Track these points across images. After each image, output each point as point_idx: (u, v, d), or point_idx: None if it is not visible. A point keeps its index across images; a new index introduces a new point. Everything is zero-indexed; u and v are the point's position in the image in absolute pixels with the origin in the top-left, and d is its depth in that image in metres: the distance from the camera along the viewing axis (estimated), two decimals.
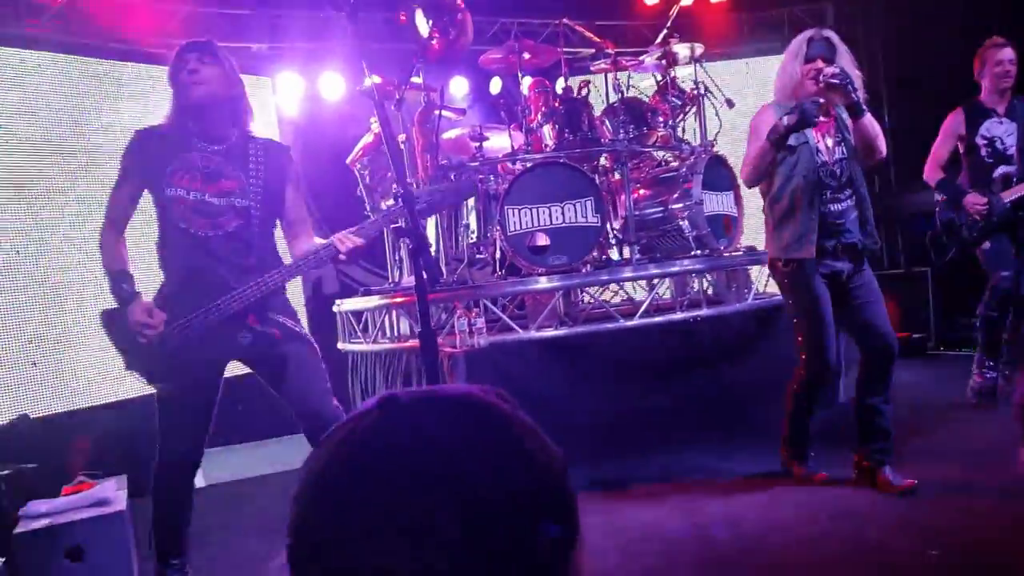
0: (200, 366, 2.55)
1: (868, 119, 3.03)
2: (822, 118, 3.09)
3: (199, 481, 4.74)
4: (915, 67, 6.76)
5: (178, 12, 5.84)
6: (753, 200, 3.24)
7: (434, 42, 4.67)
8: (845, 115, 3.11)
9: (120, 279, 2.52)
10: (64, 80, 5.21)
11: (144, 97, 5.49)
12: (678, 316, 4.43)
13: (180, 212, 2.51)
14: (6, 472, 3.92)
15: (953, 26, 6.14)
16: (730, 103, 5.24)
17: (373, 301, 5.04)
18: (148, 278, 2.72)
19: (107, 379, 5.02)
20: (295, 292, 6.43)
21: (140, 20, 5.64)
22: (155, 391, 2.57)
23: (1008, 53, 4.28)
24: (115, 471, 4.25)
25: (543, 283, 4.45)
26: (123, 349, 2.53)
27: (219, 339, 2.51)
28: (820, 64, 2.97)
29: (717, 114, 5.23)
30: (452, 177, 4.84)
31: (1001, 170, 4.27)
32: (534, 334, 4.32)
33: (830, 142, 3.12)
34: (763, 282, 5.05)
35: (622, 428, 4.14)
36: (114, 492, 3.23)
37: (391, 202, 5.17)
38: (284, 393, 2.61)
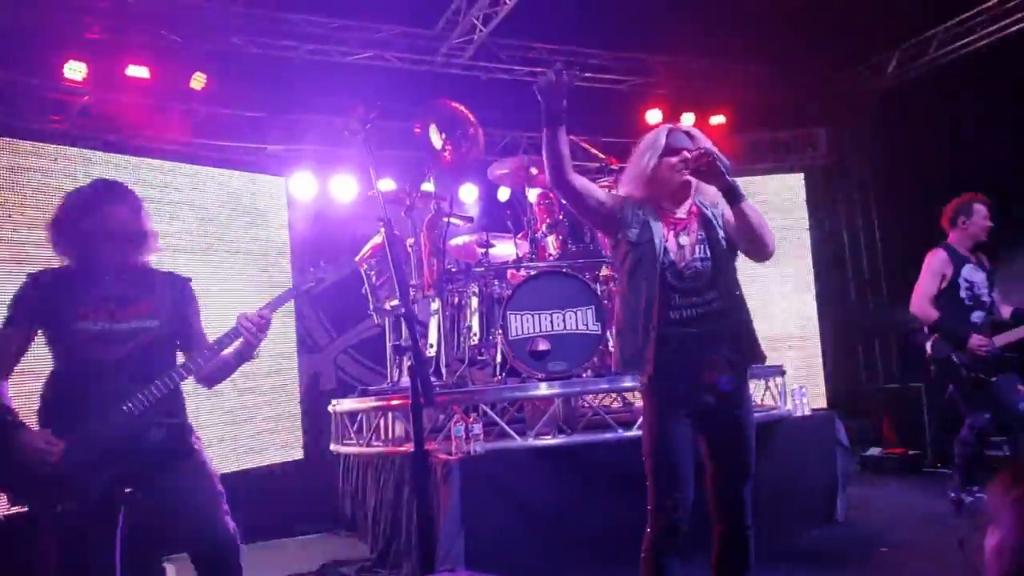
0: (105, 482, 2.40)
1: (748, 204, 2.55)
2: (679, 214, 2.63)
3: None
4: (903, 186, 7.03)
5: (198, 113, 6.11)
6: (754, 312, 2.79)
7: (446, 154, 4.87)
8: (718, 208, 2.66)
9: (3, 414, 2.40)
10: (80, 173, 5.37)
11: (161, 190, 5.66)
12: None
13: (83, 343, 2.46)
14: None
15: (943, 151, 6.43)
16: None
17: (368, 403, 5.02)
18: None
19: None
20: (292, 386, 6.41)
21: (161, 120, 5.89)
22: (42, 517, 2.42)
23: (987, 210, 4.64)
24: None
25: (543, 389, 4.46)
26: (11, 481, 2.38)
27: (126, 443, 2.39)
28: (685, 153, 2.55)
29: None
30: (454, 280, 4.95)
31: (978, 315, 4.54)
32: (532, 442, 4.29)
33: (685, 240, 2.57)
34: (760, 395, 5.07)
35: (621, 541, 4.03)
36: None
37: (396, 301, 5.26)
38: (173, 516, 2.46)
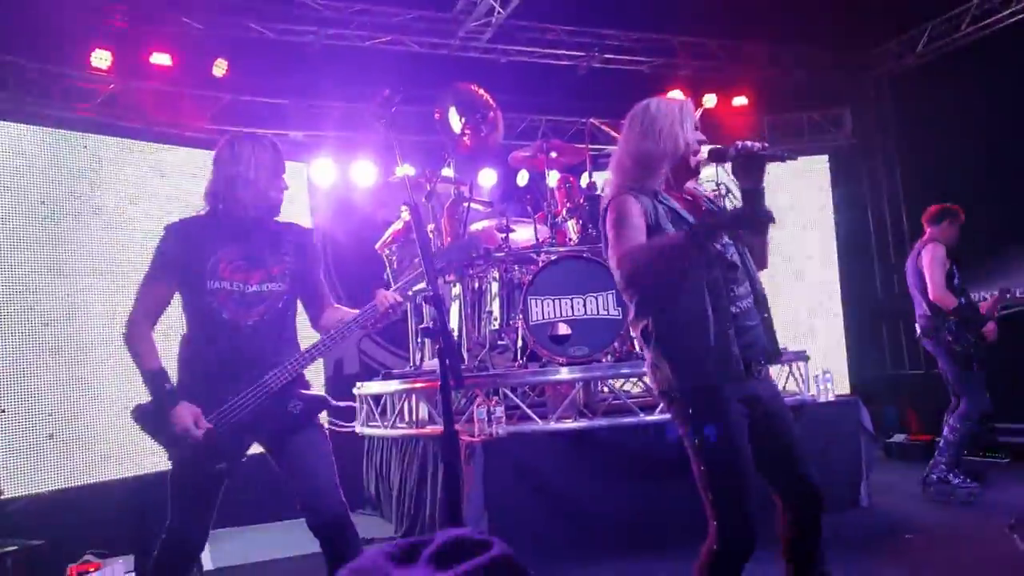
0: (245, 444, 2.57)
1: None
2: (688, 198, 2.41)
3: (207, 563, 4.71)
4: (932, 170, 6.92)
5: (221, 100, 6.15)
6: (778, 297, 2.43)
7: (466, 138, 4.87)
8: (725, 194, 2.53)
9: (160, 378, 2.46)
10: (107, 159, 5.45)
11: (189, 178, 5.72)
12: None
13: (221, 303, 2.52)
14: (13, 548, 3.91)
15: (967, 127, 6.32)
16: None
17: (393, 385, 5.08)
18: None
19: (121, 455, 5.05)
20: (316, 371, 6.49)
21: (184, 107, 5.95)
22: (172, 465, 2.54)
23: None
24: (122, 550, 4.22)
25: (563, 373, 4.48)
26: (163, 439, 2.49)
27: (268, 415, 2.51)
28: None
29: None
30: (474, 266, 4.97)
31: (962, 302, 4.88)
32: (553, 425, 4.32)
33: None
34: (783, 381, 5.05)
35: (641, 523, 4.07)
36: (122, 574, 3.20)
37: (421, 285, 5.28)
38: (296, 481, 2.55)
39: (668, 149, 2.31)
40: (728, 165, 2.37)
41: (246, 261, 2.57)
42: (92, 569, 4.34)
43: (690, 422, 2.21)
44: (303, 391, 2.59)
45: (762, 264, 2.46)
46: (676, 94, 7.21)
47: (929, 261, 4.85)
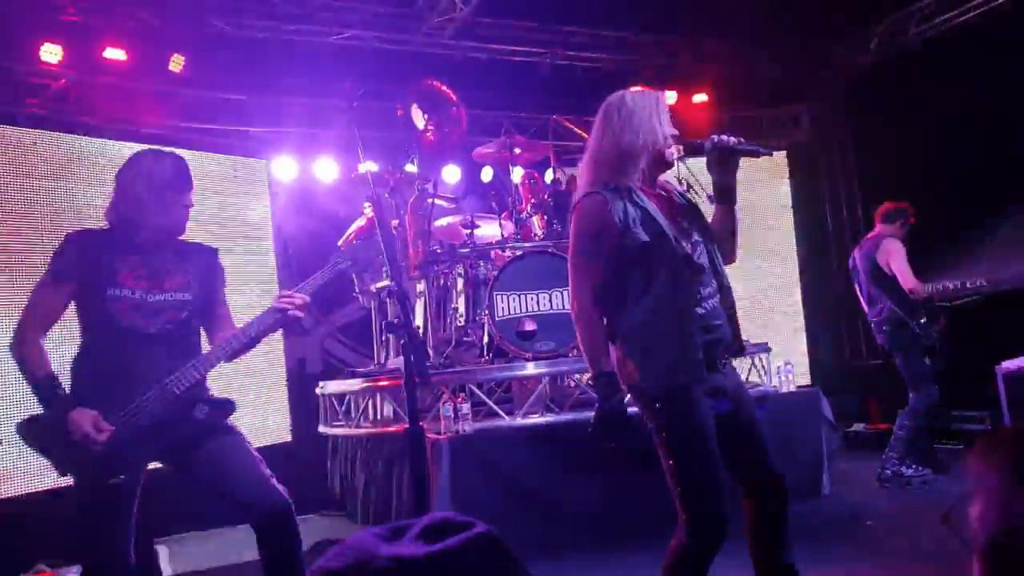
0: (147, 456, 2.43)
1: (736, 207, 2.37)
2: (661, 192, 2.40)
3: (166, 568, 4.61)
4: (887, 166, 7.08)
5: (179, 95, 6.02)
6: (738, 291, 2.46)
7: (429, 134, 4.84)
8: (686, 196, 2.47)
9: (52, 384, 2.34)
10: (59, 157, 5.30)
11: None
12: None
13: (120, 311, 2.43)
14: None
15: (922, 125, 6.48)
16: (711, 198, 5.42)
17: (357, 384, 5.03)
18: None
19: None
20: (278, 371, 6.40)
21: (141, 103, 5.80)
22: (79, 494, 2.35)
23: None
24: (75, 559, 4.10)
25: (530, 368, 4.48)
26: (55, 456, 2.33)
27: (171, 421, 2.39)
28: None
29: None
30: (439, 262, 4.94)
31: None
32: (520, 421, 4.32)
33: (683, 223, 2.35)
34: (746, 373, 5.12)
35: (609, 517, 4.09)
36: None
37: (382, 283, 5.24)
38: (218, 479, 2.44)
39: (647, 143, 2.29)
40: (703, 159, 2.39)
41: (148, 270, 2.50)
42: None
43: (657, 419, 2.23)
44: (209, 395, 2.52)
45: (730, 258, 2.46)
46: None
47: (897, 254, 4.92)
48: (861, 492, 4.91)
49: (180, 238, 2.63)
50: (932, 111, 6.37)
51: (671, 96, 7.08)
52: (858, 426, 6.75)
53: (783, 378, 4.96)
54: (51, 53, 5.25)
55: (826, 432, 4.87)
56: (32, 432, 2.34)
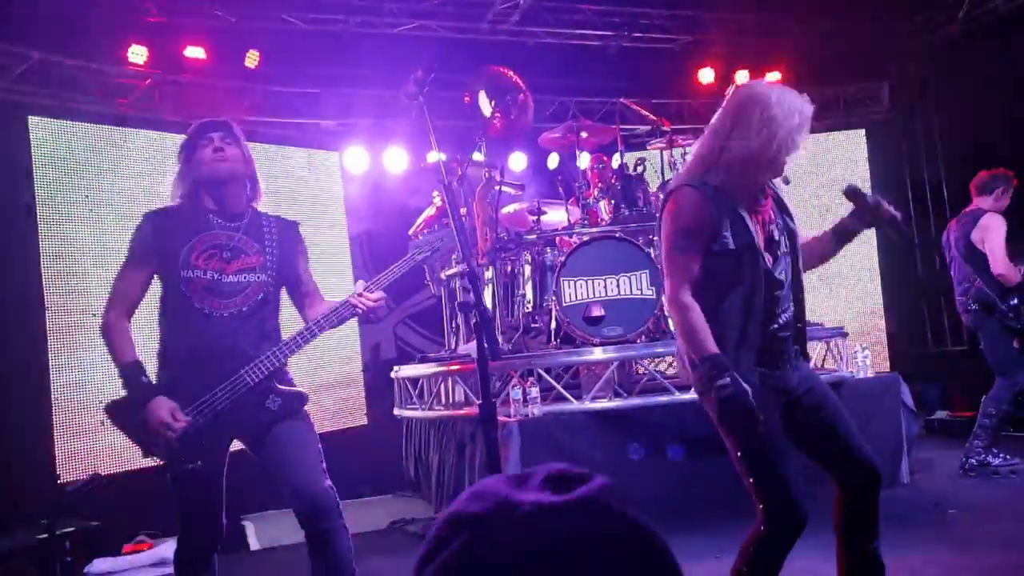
0: (225, 441, 2.49)
1: None
2: (761, 199, 2.28)
3: (253, 543, 4.85)
4: (973, 143, 6.75)
5: (255, 91, 6.24)
6: (816, 274, 2.40)
7: (496, 121, 4.89)
8: (782, 191, 2.37)
9: (136, 371, 2.39)
10: (147, 153, 5.58)
11: None
12: None
13: (195, 293, 2.43)
14: (71, 529, 4.07)
15: (1010, 99, 6.15)
16: (786, 180, 5.28)
17: (430, 368, 5.15)
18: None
19: None
20: (354, 356, 6.60)
21: (219, 99, 6.04)
22: (171, 473, 2.44)
23: None
24: (173, 531, 4.36)
25: (597, 354, 4.49)
26: (140, 439, 2.41)
27: (245, 410, 2.42)
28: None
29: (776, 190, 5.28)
30: (506, 249, 5.00)
31: None
32: (588, 405, 4.35)
33: (772, 233, 2.27)
34: (820, 358, 5.00)
35: (676, 500, 4.09)
36: (171, 552, 3.30)
37: (452, 270, 5.35)
38: (277, 467, 2.46)
39: (779, 156, 2.16)
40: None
41: (222, 250, 2.48)
42: (144, 548, 4.53)
43: (719, 415, 2.17)
44: (282, 387, 2.50)
45: (809, 269, 2.41)
46: (707, 72, 7.16)
47: (994, 232, 4.62)
48: (943, 481, 4.75)
49: (259, 210, 2.58)
50: (1021, 83, 6.04)
51: (743, 76, 6.93)
52: (940, 414, 6.50)
53: (860, 363, 4.83)
54: (138, 54, 5.53)
55: (906, 419, 4.72)
56: (117, 414, 2.43)
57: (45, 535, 3.83)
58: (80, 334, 5.01)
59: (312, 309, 2.60)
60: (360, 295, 2.48)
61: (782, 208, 2.31)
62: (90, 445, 4.98)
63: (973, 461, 4.72)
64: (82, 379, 4.99)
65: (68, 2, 5.19)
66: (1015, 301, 4.61)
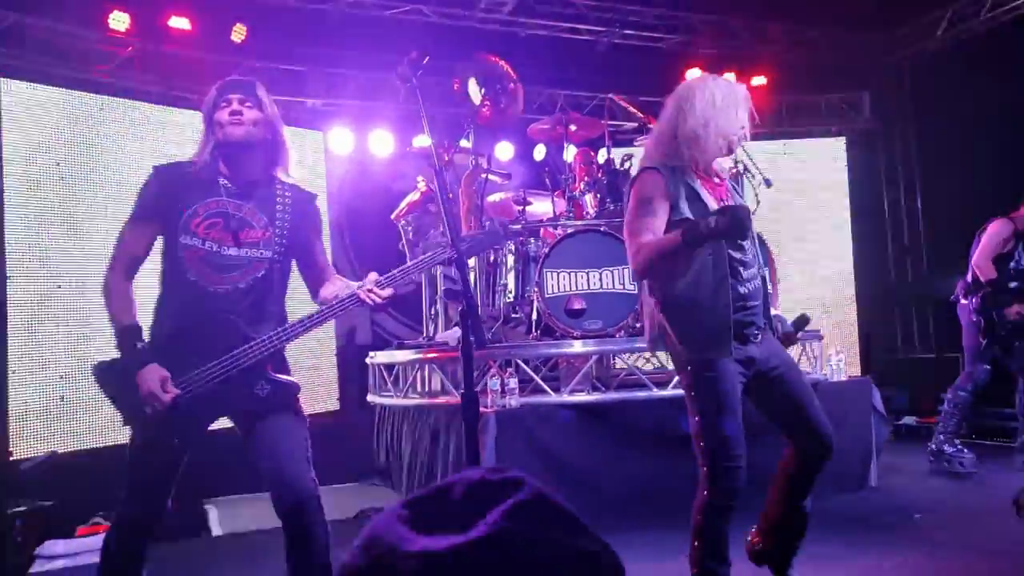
0: (204, 422, 2.39)
1: None
2: (715, 179, 2.56)
3: (215, 528, 4.75)
4: (947, 152, 6.87)
5: (239, 65, 6.11)
6: (792, 278, 2.83)
7: (485, 109, 4.85)
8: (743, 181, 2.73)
9: (132, 335, 2.29)
10: (124, 123, 5.44)
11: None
12: None
13: (190, 263, 2.33)
14: (22, 509, 3.94)
15: (987, 114, 6.26)
16: (768, 182, 5.34)
17: (407, 355, 5.10)
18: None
19: None
20: (328, 340, 6.52)
21: (203, 72, 5.91)
22: (130, 442, 2.35)
23: None
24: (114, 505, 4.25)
25: (577, 347, 4.49)
26: (122, 405, 2.32)
27: (232, 393, 2.32)
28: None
29: (756, 193, 5.32)
30: (486, 226, 4.96)
31: (1014, 284, 4.87)
32: (566, 397, 4.34)
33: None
34: (796, 360, 5.04)
35: (652, 496, 4.10)
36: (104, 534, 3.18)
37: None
38: (263, 457, 2.37)
39: (722, 132, 2.46)
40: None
41: (226, 219, 2.35)
42: (101, 531, 4.39)
43: (688, 380, 2.51)
44: (276, 374, 2.39)
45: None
46: (694, 72, 7.18)
47: (989, 232, 4.89)
48: (910, 484, 4.83)
49: (279, 178, 2.45)
50: (997, 99, 6.15)
51: (729, 78, 6.94)
52: (908, 419, 6.62)
53: (834, 367, 4.89)
54: (119, 21, 5.39)
55: (876, 423, 4.79)
56: (106, 376, 2.33)
57: None
58: (43, 307, 4.87)
59: (323, 287, 2.51)
60: (371, 291, 2.37)
61: (735, 193, 2.63)
62: (47, 423, 4.84)
63: (933, 447, 5.01)
64: (42, 355, 4.85)
65: None
66: (978, 296, 4.85)
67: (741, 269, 2.49)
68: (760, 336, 2.54)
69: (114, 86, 5.48)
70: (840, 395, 4.74)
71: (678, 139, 2.48)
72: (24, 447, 4.71)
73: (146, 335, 2.35)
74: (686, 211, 2.44)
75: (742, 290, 2.48)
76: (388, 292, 2.39)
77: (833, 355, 4.94)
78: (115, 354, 2.34)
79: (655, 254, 2.41)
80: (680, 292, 2.47)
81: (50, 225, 4.99)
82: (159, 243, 2.41)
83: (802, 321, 2.67)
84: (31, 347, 4.81)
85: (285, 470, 2.33)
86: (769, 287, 2.62)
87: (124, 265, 2.37)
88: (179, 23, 5.60)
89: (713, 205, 2.47)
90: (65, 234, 5.03)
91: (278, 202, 2.42)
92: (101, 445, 4.96)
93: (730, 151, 2.54)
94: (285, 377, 2.44)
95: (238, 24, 5.78)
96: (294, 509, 2.32)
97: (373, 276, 2.41)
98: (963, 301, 5.02)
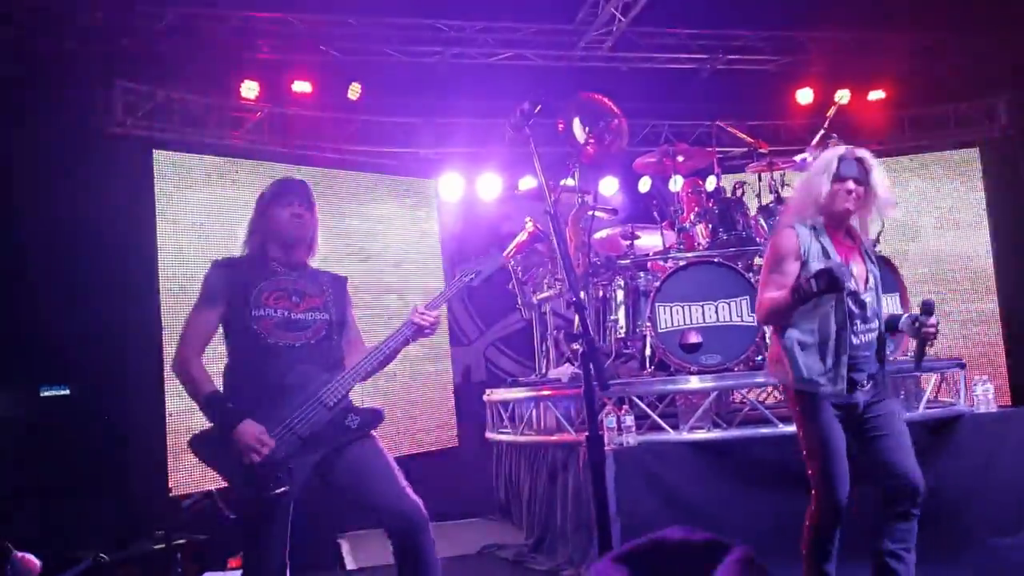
0: (307, 467, 2.51)
1: None
2: (848, 242, 2.86)
3: (349, 563, 4.93)
4: None
5: (355, 121, 6.49)
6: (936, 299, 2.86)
7: (590, 147, 4.89)
8: (869, 243, 2.93)
9: (221, 400, 2.50)
10: (257, 184, 5.86)
11: (322, 198, 6.06)
12: None
13: (267, 329, 2.56)
14: (183, 541, 4.26)
15: None
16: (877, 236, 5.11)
17: (521, 393, 5.15)
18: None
19: None
20: (446, 379, 6.69)
21: (323, 130, 6.33)
22: (257, 498, 2.46)
23: None
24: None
25: (694, 382, 4.39)
26: (222, 468, 2.48)
27: (325, 432, 2.51)
28: (851, 184, 2.76)
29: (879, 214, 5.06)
30: (598, 274, 4.97)
31: None
32: (685, 435, 4.24)
33: (856, 268, 2.81)
34: (935, 389, 4.72)
35: (776, 534, 3.91)
36: None
37: (545, 294, 5.37)
38: (364, 490, 2.52)
39: (814, 196, 2.82)
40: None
41: (289, 292, 2.64)
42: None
43: (795, 411, 2.86)
44: (357, 406, 2.61)
45: None
46: (805, 92, 6.96)
47: None
48: None
49: (312, 266, 2.77)
50: None
51: (843, 95, 6.68)
52: None
53: (980, 397, 4.53)
54: (250, 89, 5.85)
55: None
56: (202, 446, 2.52)
57: (161, 545, 4.03)
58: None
59: (353, 355, 2.71)
60: (423, 313, 2.61)
61: (868, 257, 2.89)
62: (199, 461, 5.20)
63: None
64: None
65: (188, 43, 5.56)
66: None
67: (859, 322, 2.80)
68: (868, 385, 2.82)
69: (245, 148, 5.94)
70: (989, 429, 4.38)
71: (797, 202, 2.91)
72: (182, 484, 5.10)
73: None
74: (816, 265, 2.74)
75: (855, 340, 2.78)
76: (436, 313, 2.64)
77: (979, 384, 4.58)
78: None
79: (772, 309, 2.81)
80: (802, 331, 2.81)
81: (194, 281, 5.36)
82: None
83: (927, 307, 2.74)
84: (183, 393, 5.18)
85: (388, 493, 2.50)
86: (885, 345, 2.89)
87: (195, 344, 2.61)
88: (301, 87, 6.02)
89: (837, 259, 2.76)
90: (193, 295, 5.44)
91: (321, 281, 2.74)
92: None
93: (837, 214, 2.80)
94: (369, 406, 2.64)
95: (353, 83, 6.14)
96: (406, 527, 2.47)
97: (418, 304, 2.67)
98: None
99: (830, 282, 2.59)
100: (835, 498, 2.76)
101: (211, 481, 5.14)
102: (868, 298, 2.80)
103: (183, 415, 5.15)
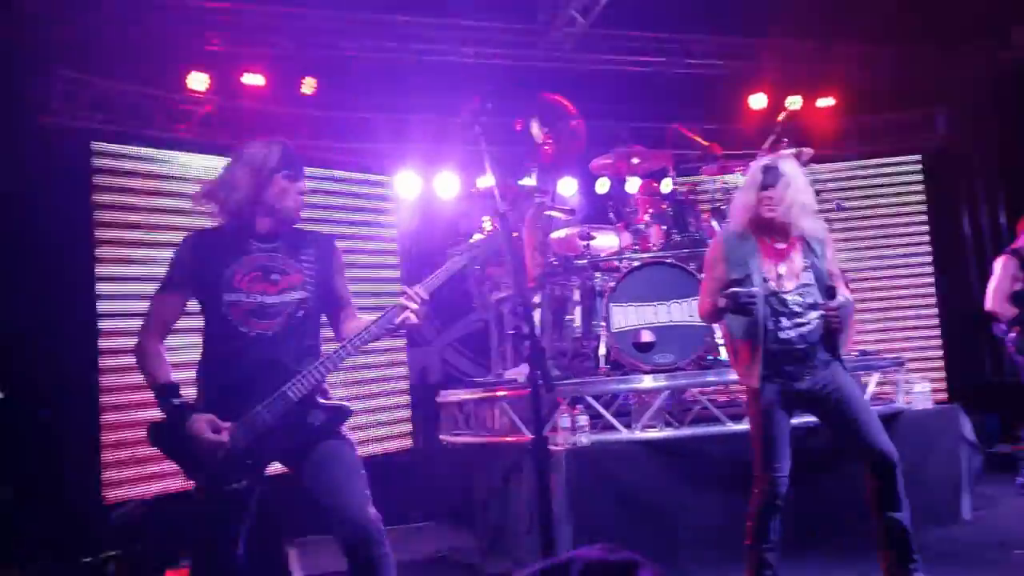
0: (265, 461, 2.43)
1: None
2: (779, 244, 3.07)
3: (296, 571, 4.83)
4: None
5: (309, 116, 6.39)
6: (872, 303, 3.05)
7: (547, 147, 4.91)
8: (823, 244, 3.10)
9: (169, 393, 2.39)
10: (206, 178, 5.72)
11: None
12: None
13: (238, 317, 2.44)
14: (114, 553, 4.10)
15: None
16: (839, 206, 5.24)
17: (476, 394, 5.13)
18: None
19: None
20: (401, 380, 6.64)
21: (276, 125, 6.20)
22: (195, 494, 2.42)
23: None
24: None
25: (648, 382, 4.43)
26: (183, 460, 2.40)
27: (288, 427, 2.39)
28: (770, 192, 2.99)
29: (826, 217, 5.19)
30: (555, 274, 4.99)
31: None
32: (638, 434, 4.28)
33: (784, 269, 3.04)
34: (876, 387, 4.86)
35: (729, 533, 3.98)
36: None
37: (503, 293, 5.36)
38: (320, 489, 2.41)
39: (742, 206, 3.12)
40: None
41: (263, 271, 2.49)
42: (187, 573, 4.53)
43: (747, 399, 3.16)
44: (323, 401, 2.47)
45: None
46: (758, 98, 7.10)
47: (997, 271, 4.86)
48: (1007, 517, 4.56)
49: (297, 229, 2.60)
50: None
51: (795, 101, 6.80)
52: (1001, 447, 6.25)
53: (918, 394, 4.68)
54: (198, 81, 5.71)
55: (966, 453, 4.56)
56: (158, 438, 2.42)
57: (90, 558, 3.86)
58: (131, 357, 5.10)
59: (347, 324, 2.58)
60: (409, 292, 2.45)
61: (810, 252, 3.07)
62: (136, 468, 5.05)
63: (1021, 479, 4.92)
64: (131, 401, 5.07)
65: (131, 32, 5.38)
66: (1013, 334, 4.80)
67: (784, 319, 3.02)
68: (807, 374, 3.04)
69: (193, 143, 5.77)
70: (926, 424, 4.54)
71: (732, 210, 3.22)
72: (116, 492, 4.93)
73: (194, 392, 2.46)
74: (732, 272, 3.04)
75: (784, 336, 3.01)
76: (425, 293, 2.46)
77: (915, 382, 4.75)
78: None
79: (707, 312, 3.18)
80: (734, 330, 3.11)
81: (136, 278, 5.23)
82: (191, 305, 2.54)
83: (829, 293, 2.99)
84: (120, 396, 5.03)
85: (347, 503, 2.36)
86: (821, 337, 3.05)
87: (157, 329, 2.50)
88: (253, 80, 5.89)
89: (759, 269, 3.02)
90: (150, 286, 5.24)
91: (303, 246, 2.56)
92: (185, 487, 5.12)
93: (761, 221, 3.04)
94: (335, 402, 2.51)
95: (307, 77, 6.04)
96: (360, 541, 2.34)
97: (408, 289, 2.49)
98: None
99: (736, 305, 2.93)
100: (771, 477, 3.01)
101: (147, 490, 5.01)
102: (792, 297, 3.01)
103: (119, 420, 5.00)
